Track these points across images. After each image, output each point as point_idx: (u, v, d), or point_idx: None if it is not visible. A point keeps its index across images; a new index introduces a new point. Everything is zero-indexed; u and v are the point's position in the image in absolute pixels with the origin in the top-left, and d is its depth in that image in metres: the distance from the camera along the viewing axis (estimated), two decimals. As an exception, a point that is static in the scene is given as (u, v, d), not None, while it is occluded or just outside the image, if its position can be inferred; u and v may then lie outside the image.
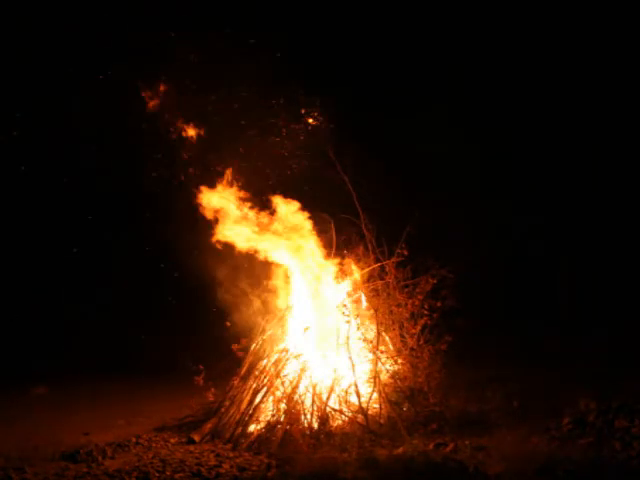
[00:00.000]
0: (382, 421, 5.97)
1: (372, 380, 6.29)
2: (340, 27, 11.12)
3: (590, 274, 12.92)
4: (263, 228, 6.80)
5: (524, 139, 12.87)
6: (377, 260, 7.01)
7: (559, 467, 4.32)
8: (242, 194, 6.86)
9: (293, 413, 5.94)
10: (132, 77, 6.91)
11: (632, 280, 12.15)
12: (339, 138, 7.12)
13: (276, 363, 6.41)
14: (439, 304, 6.75)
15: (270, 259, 6.87)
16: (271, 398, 6.17)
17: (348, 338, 6.37)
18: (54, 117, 9.04)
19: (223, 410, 6.37)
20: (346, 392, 6.19)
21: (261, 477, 4.85)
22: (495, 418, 5.90)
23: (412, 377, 6.45)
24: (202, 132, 6.86)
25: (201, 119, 6.86)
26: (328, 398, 6.08)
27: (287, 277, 7.03)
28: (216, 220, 6.75)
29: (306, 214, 6.84)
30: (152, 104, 6.71)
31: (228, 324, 7.03)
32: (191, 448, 5.78)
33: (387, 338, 6.74)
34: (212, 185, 6.78)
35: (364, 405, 6.06)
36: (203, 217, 6.80)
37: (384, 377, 6.42)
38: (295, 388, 6.14)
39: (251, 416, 6.08)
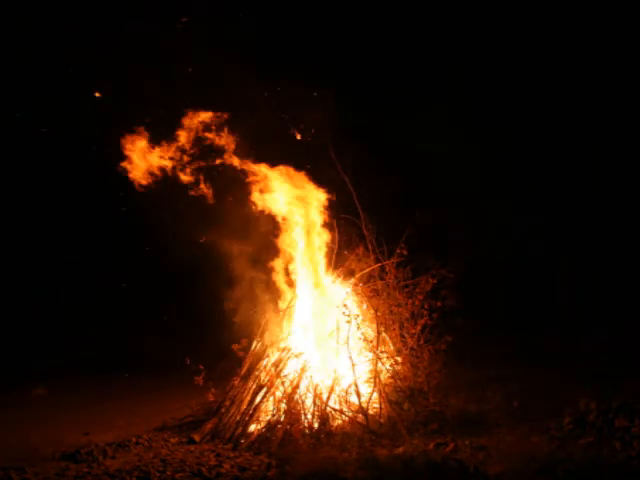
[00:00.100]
0: (382, 421, 5.97)
1: (372, 380, 6.29)
2: (340, 27, 11.13)
3: (590, 274, 12.93)
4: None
5: (524, 139, 12.89)
6: (377, 260, 7.02)
7: (559, 467, 4.32)
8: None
9: (293, 413, 5.94)
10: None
11: (632, 280, 12.16)
12: (339, 138, 7.11)
13: (276, 363, 6.41)
14: (439, 304, 6.76)
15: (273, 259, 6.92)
16: (271, 398, 6.18)
17: (348, 338, 6.37)
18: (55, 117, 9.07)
19: (223, 410, 6.37)
20: (346, 392, 6.20)
21: (261, 477, 4.85)
22: (495, 418, 5.90)
23: (412, 377, 6.46)
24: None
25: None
26: (328, 398, 6.08)
27: (289, 277, 7.04)
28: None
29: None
30: None
31: (233, 322, 7.03)
32: (191, 448, 5.78)
33: (387, 338, 6.74)
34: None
35: (364, 405, 6.07)
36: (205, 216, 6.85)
37: (384, 377, 6.43)
38: (295, 388, 6.15)
39: (251, 416, 6.09)
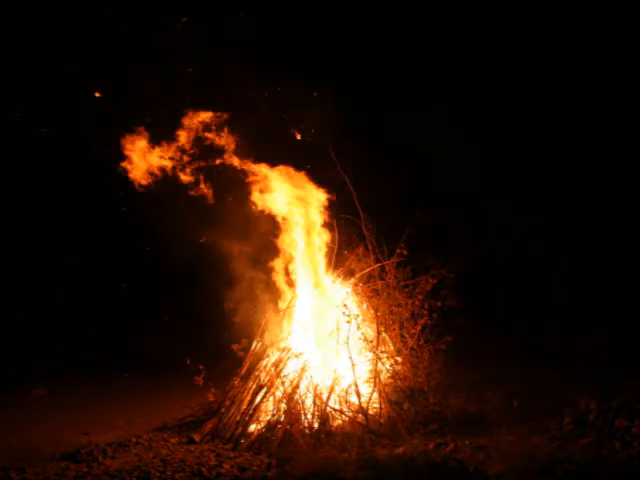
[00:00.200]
0: (382, 421, 5.97)
1: (372, 380, 6.29)
2: (340, 27, 11.13)
3: (590, 274, 12.93)
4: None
5: (524, 139, 12.89)
6: (377, 260, 7.02)
7: (559, 467, 4.32)
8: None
9: (293, 413, 5.94)
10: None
11: (632, 280, 12.16)
12: (339, 138, 7.11)
13: (276, 363, 6.41)
14: (439, 304, 6.76)
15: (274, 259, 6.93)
16: (271, 398, 6.18)
17: (348, 338, 6.37)
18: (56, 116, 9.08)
19: (223, 410, 6.37)
20: (346, 392, 6.20)
21: (261, 477, 4.85)
22: (495, 418, 5.90)
23: (412, 377, 6.46)
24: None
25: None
26: (328, 398, 6.08)
27: (289, 277, 7.04)
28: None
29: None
30: None
31: (233, 322, 7.03)
32: (191, 448, 5.78)
33: (387, 338, 6.74)
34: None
35: (364, 405, 6.07)
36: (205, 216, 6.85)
37: (384, 377, 6.43)
38: (295, 388, 6.15)
39: (251, 416, 6.08)
